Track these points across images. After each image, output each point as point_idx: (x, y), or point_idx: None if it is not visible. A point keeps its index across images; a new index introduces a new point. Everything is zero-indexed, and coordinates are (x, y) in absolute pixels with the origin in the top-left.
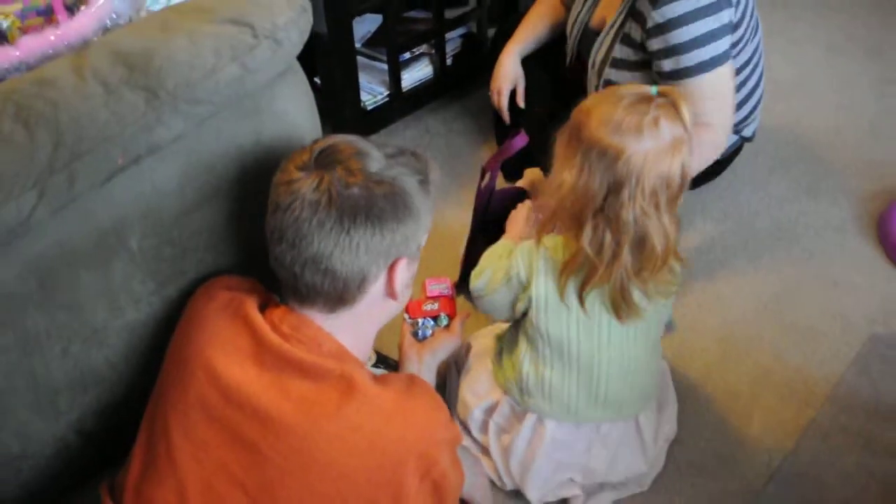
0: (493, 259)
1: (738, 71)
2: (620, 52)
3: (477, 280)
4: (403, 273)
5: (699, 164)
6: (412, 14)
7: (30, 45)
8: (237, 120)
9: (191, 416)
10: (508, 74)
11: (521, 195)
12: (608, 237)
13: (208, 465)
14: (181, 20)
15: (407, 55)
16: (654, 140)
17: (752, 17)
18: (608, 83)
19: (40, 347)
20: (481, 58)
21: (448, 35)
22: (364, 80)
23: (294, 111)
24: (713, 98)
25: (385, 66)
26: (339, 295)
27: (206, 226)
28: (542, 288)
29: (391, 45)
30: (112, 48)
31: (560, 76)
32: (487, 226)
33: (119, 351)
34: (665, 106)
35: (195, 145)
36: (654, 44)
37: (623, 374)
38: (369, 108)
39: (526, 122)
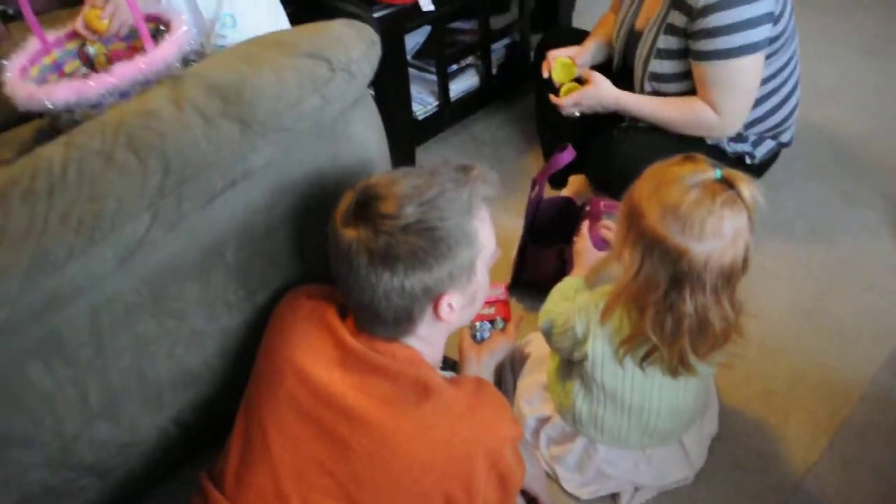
0: (558, 301)
1: (774, 76)
2: (664, 42)
3: (542, 322)
4: (451, 303)
5: (684, 129)
6: (458, 25)
7: (123, 73)
8: (317, 144)
9: (283, 413)
10: (595, 105)
11: (568, 204)
12: (669, 323)
13: (300, 457)
14: (264, 54)
15: (454, 66)
16: (717, 240)
17: (790, 19)
18: (653, 75)
19: (150, 350)
20: (525, 67)
21: (493, 46)
22: (414, 90)
23: (366, 134)
24: (733, 85)
25: (434, 77)
26: (393, 329)
27: (291, 239)
28: (599, 350)
29: (440, 58)
30: (206, 81)
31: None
32: (537, 233)
33: (215, 352)
34: (730, 199)
35: (281, 168)
36: (696, 25)
37: (673, 413)
38: (420, 118)
39: (569, 131)
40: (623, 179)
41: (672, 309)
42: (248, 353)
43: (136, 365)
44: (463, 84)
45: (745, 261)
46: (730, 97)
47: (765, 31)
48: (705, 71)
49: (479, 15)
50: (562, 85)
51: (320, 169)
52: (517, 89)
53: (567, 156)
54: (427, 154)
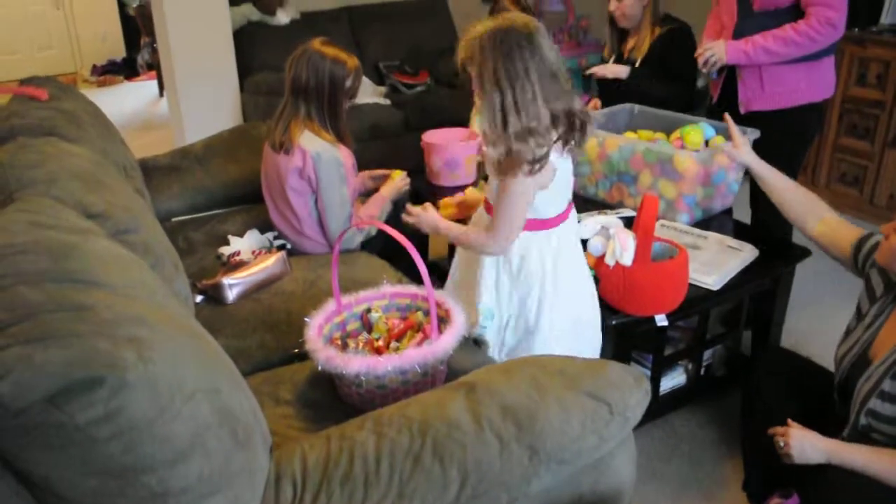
0: None
1: None
2: (890, 386)
3: None
4: None
5: None
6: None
7: (410, 357)
8: (583, 473)
9: None
10: (805, 451)
11: None
12: None
13: None
14: (550, 383)
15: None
16: None
17: None
18: (871, 412)
19: None
20: (732, 371)
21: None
22: None
23: (624, 467)
24: None
25: (646, 371)
26: None
27: None
28: None
29: (657, 357)
30: (499, 401)
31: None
32: None
33: None
34: None
35: (548, 491)
36: None
37: None
38: None
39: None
40: None
41: None
42: None
43: None
44: (671, 381)
45: None
46: None
47: None
48: None
49: (700, 324)
50: None
51: (581, 495)
52: (723, 391)
53: (792, 503)
54: None
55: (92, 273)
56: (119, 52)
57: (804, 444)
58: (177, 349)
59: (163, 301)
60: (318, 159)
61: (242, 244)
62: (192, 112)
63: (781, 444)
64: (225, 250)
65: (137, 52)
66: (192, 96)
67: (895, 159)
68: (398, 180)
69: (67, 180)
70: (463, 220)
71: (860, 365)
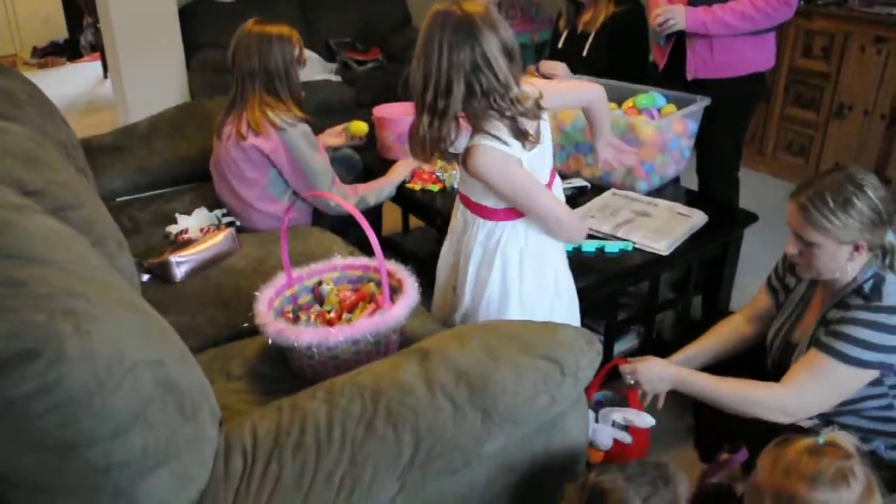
0: None
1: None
2: None
3: None
4: None
5: (737, 408)
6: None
7: (362, 326)
8: (535, 434)
9: None
10: (653, 381)
11: (727, 491)
12: None
13: None
14: (503, 348)
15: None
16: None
17: None
18: None
19: None
20: (685, 333)
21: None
22: None
23: (576, 429)
24: (821, 383)
25: (600, 337)
26: None
27: None
28: None
29: (610, 321)
30: (453, 366)
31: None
32: None
33: None
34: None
35: (503, 453)
36: (832, 315)
37: None
38: None
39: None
40: None
41: None
42: None
43: None
44: (624, 345)
45: None
46: (819, 392)
47: (877, 358)
48: (814, 357)
49: (650, 289)
50: None
51: (535, 455)
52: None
53: (741, 456)
54: None
55: (27, 249)
56: (61, 33)
57: (651, 375)
58: (117, 321)
59: (104, 276)
60: (286, 135)
61: (190, 222)
62: (137, 91)
63: (630, 379)
64: (172, 229)
65: (80, 33)
66: (137, 75)
67: (839, 129)
68: (403, 168)
69: (2, 157)
70: None
71: (789, 350)
